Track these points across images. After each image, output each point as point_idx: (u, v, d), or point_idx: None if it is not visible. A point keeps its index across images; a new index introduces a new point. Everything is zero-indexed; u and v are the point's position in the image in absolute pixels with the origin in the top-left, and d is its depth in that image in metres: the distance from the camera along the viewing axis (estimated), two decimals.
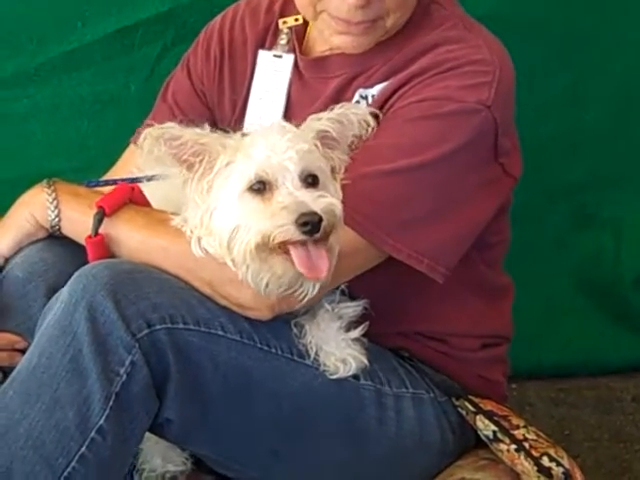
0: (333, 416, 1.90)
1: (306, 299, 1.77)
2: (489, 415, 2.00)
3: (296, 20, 2.11)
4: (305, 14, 2.05)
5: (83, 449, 1.69)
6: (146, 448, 1.94)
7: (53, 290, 1.80)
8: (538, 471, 1.90)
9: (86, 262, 1.80)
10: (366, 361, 1.88)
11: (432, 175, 1.88)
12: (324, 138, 1.79)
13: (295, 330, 1.86)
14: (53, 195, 1.86)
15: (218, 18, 2.25)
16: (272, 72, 2.12)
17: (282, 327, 1.85)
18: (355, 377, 1.89)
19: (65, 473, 1.69)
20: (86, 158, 2.72)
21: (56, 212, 1.85)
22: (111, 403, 1.69)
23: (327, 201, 1.69)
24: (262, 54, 2.14)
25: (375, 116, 1.84)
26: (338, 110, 1.80)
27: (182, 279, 1.80)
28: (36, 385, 1.70)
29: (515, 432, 1.97)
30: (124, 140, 2.20)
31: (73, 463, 1.69)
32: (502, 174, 1.98)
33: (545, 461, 1.92)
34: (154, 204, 1.88)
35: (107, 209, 1.81)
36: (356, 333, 1.88)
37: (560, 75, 2.85)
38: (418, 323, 2.06)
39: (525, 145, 2.07)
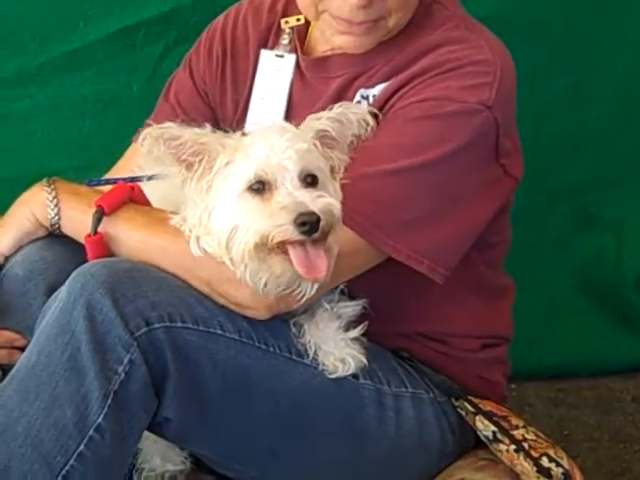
0: (332, 415, 1.90)
1: (304, 299, 1.76)
2: (489, 415, 1.99)
3: (298, 20, 2.10)
4: (307, 14, 2.04)
5: (81, 447, 1.69)
6: (145, 447, 1.94)
7: (53, 288, 1.80)
8: (537, 471, 1.90)
9: (86, 261, 1.80)
10: (365, 360, 1.88)
11: (432, 175, 1.88)
12: (323, 137, 1.79)
13: (294, 329, 1.86)
14: (53, 194, 1.86)
15: (220, 17, 2.25)
16: (274, 72, 2.12)
17: (281, 326, 1.85)
18: (354, 376, 1.89)
19: (63, 471, 1.69)
20: (88, 157, 2.71)
21: (56, 210, 1.85)
22: (109, 401, 1.69)
23: (325, 201, 1.69)
24: (264, 54, 2.14)
25: (374, 116, 1.84)
26: (337, 109, 1.79)
27: (181, 278, 1.80)
28: (35, 383, 1.70)
29: (514, 432, 1.97)
30: (126, 140, 2.20)
31: (71, 461, 1.69)
32: (503, 175, 1.98)
33: (544, 461, 1.92)
34: (154, 203, 1.88)
35: (106, 208, 1.81)
36: (355, 333, 1.88)
37: (562, 76, 2.84)
38: (418, 323, 2.05)
39: (526, 146, 2.06)
